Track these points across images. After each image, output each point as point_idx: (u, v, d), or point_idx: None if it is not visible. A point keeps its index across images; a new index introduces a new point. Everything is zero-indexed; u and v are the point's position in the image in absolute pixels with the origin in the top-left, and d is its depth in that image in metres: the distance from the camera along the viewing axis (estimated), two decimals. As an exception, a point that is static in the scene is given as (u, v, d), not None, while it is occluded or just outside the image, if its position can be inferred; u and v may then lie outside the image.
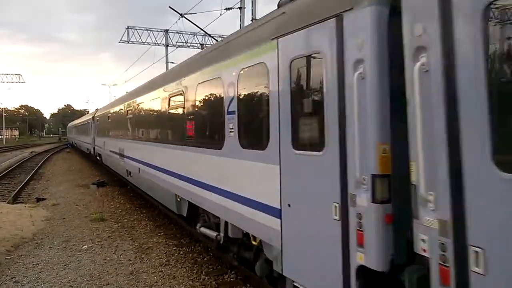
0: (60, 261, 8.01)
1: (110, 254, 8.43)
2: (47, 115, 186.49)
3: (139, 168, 11.79)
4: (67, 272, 7.44)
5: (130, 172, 13.79)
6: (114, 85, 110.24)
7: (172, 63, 32.58)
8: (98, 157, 24.25)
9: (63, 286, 6.80)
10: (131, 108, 13.98)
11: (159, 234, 9.98)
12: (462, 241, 2.62)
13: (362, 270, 3.48)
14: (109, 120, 19.18)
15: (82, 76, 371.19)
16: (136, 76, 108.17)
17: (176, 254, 8.40)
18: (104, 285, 6.83)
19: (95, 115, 26.53)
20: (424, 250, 2.90)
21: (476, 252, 2.53)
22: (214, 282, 6.88)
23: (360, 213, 3.48)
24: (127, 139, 14.07)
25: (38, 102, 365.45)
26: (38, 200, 15.17)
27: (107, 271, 7.45)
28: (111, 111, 18.72)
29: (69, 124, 70.02)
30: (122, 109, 15.75)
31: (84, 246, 8.99)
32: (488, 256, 2.47)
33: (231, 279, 7.02)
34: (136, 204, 13.83)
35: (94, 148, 25.87)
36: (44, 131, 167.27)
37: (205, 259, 8.07)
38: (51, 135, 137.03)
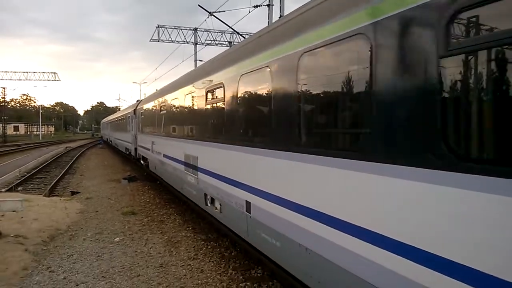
0: (93, 252, 8.29)
1: (140, 247, 8.65)
2: (81, 112, 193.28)
3: (247, 203, 6.09)
4: (100, 263, 7.69)
5: (213, 201, 8.02)
6: (144, 82, 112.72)
7: (201, 61, 32.98)
8: (142, 161, 19.31)
9: (96, 276, 7.03)
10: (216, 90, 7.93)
11: (187, 229, 10.16)
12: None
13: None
14: (162, 112, 13.72)
15: (114, 75, 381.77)
16: (166, 74, 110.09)
17: (204, 249, 8.52)
18: (135, 276, 7.02)
19: (137, 107, 21.79)
20: None
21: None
22: (241, 277, 6.94)
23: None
24: (203, 141, 8.53)
25: (72, 99, 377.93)
26: (73, 193, 15.76)
27: (138, 263, 7.65)
28: (166, 100, 13.11)
29: (103, 120, 68.98)
30: (192, 93, 9.73)
31: (116, 239, 9.26)
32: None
33: (258, 274, 7.06)
34: (165, 199, 14.12)
35: (135, 149, 21.46)
36: (78, 127, 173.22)
37: (233, 254, 8.14)
38: (85, 131, 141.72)
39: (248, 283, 6.67)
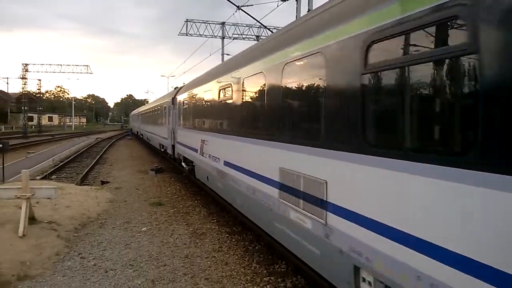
0: (121, 241, 8.53)
1: (166, 237, 8.83)
2: (111, 104, 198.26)
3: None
4: (128, 251, 7.91)
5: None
6: (172, 76, 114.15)
7: (228, 55, 33.07)
8: (183, 164, 15.54)
9: (125, 264, 7.24)
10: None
11: (212, 221, 10.29)
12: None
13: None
14: (224, 99, 9.46)
15: (142, 68, 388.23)
16: (193, 68, 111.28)
17: (228, 241, 8.61)
18: (162, 266, 7.18)
19: (177, 95, 17.71)
20: None
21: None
22: (265, 271, 6.98)
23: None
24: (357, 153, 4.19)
25: (103, 91, 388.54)
26: (103, 183, 16.25)
27: (164, 253, 7.82)
28: (233, 80, 8.73)
29: (133, 112, 66.44)
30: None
31: (143, 228, 9.50)
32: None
33: (282, 269, 7.08)
34: (191, 191, 14.33)
35: (173, 147, 17.96)
36: (108, 119, 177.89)
37: (257, 247, 8.19)
38: (115, 123, 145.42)
39: (272, 278, 6.70)
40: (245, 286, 6.40)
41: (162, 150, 23.47)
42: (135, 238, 8.73)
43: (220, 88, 9.77)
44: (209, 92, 11.10)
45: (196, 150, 12.37)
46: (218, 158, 9.63)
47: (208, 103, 11.29)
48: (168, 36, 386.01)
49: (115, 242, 8.47)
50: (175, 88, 22.34)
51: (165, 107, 21.68)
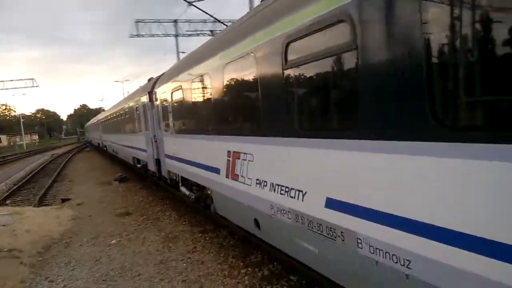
0: (91, 257, 8.21)
1: (138, 246, 8.60)
2: (64, 117, 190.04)
3: None
4: (99, 267, 7.63)
5: None
6: (126, 80, 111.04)
7: (183, 52, 32.36)
8: (183, 189, 10.35)
9: (97, 280, 6.97)
10: None
11: (184, 223, 10.12)
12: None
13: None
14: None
15: (95, 75, 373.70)
16: (148, 70, 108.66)
17: (202, 241, 8.51)
18: (136, 276, 6.98)
19: (155, 88, 12.32)
20: None
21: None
22: (241, 263, 6.97)
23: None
24: None
25: (54, 104, 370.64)
26: (63, 200, 15.54)
27: (137, 262, 7.61)
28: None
29: (91, 121, 58.11)
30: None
31: (112, 241, 9.19)
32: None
33: (258, 259, 7.09)
34: (159, 196, 14.03)
35: (158, 161, 12.87)
36: (63, 132, 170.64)
37: (231, 242, 8.15)
38: (73, 136, 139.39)
39: (249, 269, 6.70)
40: (223, 281, 6.36)
41: (138, 166, 17.17)
42: (105, 252, 8.43)
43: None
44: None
45: (213, 169, 7.22)
46: (301, 191, 4.50)
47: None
48: (120, 39, 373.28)
49: (84, 259, 8.14)
50: (149, 80, 15.05)
51: (136, 107, 15.75)
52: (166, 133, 11.08)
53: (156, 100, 12.06)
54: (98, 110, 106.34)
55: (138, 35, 35.44)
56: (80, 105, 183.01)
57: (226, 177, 6.56)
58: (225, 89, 6.55)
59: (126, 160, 21.52)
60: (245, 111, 6.17)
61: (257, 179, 5.55)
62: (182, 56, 31.16)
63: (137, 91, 17.06)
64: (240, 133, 6.11)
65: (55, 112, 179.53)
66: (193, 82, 8.11)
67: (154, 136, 12.90)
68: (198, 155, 8.22)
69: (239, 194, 6.15)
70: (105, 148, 33.82)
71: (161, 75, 12.63)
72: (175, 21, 35.94)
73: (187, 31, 35.93)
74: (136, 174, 19.51)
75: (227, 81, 6.44)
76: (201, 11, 19.70)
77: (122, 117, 20.72)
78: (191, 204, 10.73)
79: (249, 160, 5.80)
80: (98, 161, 32.82)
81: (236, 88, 6.34)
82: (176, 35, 35.83)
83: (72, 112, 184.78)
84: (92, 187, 18.25)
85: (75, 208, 13.57)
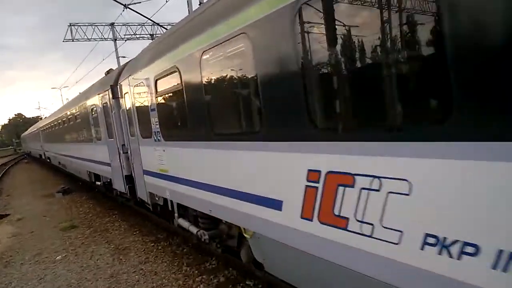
0: (34, 276, 7.74)
1: (86, 261, 8.23)
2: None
3: None
4: (43, 285, 7.21)
5: None
6: (65, 87, 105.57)
7: (123, 57, 31.30)
8: (182, 222, 7.38)
9: (42, 300, 6.60)
10: None
11: (134, 233, 9.83)
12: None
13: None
14: None
15: (30, 82, 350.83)
16: (87, 75, 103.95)
17: (154, 250, 8.33)
18: (85, 292, 6.69)
19: (122, 80, 9.11)
20: None
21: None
22: (196, 271, 6.90)
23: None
24: None
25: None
26: (1, 216, 14.48)
27: (86, 278, 7.29)
28: None
29: (30, 130, 50.90)
30: None
31: (57, 257, 8.72)
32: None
33: (213, 266, 7.07)
34: (106, 207, 13.50)
35: (131, 179, 9.75)
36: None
37: (185, 250, 8.05)
38: (9, 147, 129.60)
39: (204, 276, 6.66)
40: (179, 291, 6.27)
41: (97, 183, 13.89)
42: (50, 270, 7.98)
43: None
44: None
45: (265, 201, 4.41)
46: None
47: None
48: (56, 43, 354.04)
49: (27, 279, 7.66)
50: (107, 72, 12.31)
51: (93, 109, 12.30)
52: (144, 141, 7.95)
53: (123, 96, 9.10)
54: (35, 119, 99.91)
55: (73, 40, 33.73)
56: (15, 114, 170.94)
57: (304, 218, 3.74)
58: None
59: (78, 176, 17.89)
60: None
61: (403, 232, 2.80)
62: (123, 60, 29.84)
63: (92, 89, 13.06)
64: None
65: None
66: (215, 55, 4.95)
67: (123, 145, 9.72)
68: (223, 174, 5.20)
69: (338, 252, 3.40)
70: (48, 160, 29.43)
71: (128, 62, 9.89)
72: (112, 24, 34.69)
73: (126, 34, 34.79)
74: (81, 185, 18.63)
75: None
76: (138, 14, 19.28)
77: (71, 122, 16.97)
78: (154, 219, 10.13)
79: (384, 192, 2.90)
80: (38, 173, 30.91)
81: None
82: (115, 39, 34.54)
83: (6, 122, 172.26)
84: (33, 201, 17.16)
85: (15, 224, 12.72)
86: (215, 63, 5.03)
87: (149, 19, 20.66)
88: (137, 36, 35.13)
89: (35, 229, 11.60)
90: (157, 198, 8.26)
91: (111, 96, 9.85)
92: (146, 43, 33.69)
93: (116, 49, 34.29)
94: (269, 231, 4.42)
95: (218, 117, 5.31)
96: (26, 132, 58.81)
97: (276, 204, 4.14)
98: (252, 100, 4.44)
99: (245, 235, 5.16)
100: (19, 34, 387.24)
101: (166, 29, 19.84)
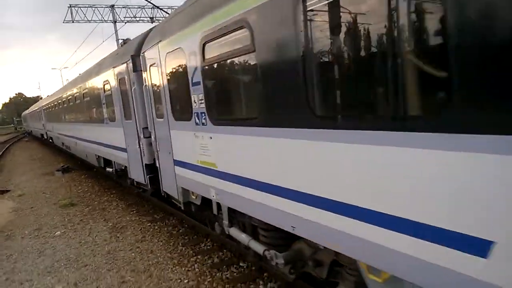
0: (34, 250, 7.97)
1: (84, 237, 8.45)
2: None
3: None
4: (43, 259, 7.44)
5: None
6: (64, 68, 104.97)
7: (123, 39, 31.11)
8: (254, 247, 5.33)
9: (41, 272, 6.82)
10: None
11: (131, 213, 10.05)
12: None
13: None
14: None
15: (31, 61, 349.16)
16: (87, 57, 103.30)
17: (151, 230, 8.54)
18: (83, 266, 6.91)
19: (150, 49, 7.17)
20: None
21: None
22: (191, 252, 7.11)
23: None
24: None
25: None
26: (2, 192, 14.71)
27: (84, 253, 7.51)
28: None
29: (32, 108, 47.30)
30: None
31: (57, 232, 8.94)
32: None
33: (208, 247, 7.28)
34: (105, 186, 13.71)
35: (156, 169, 8.08)
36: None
37: (180, 231, 8.26)
38: (10, 125, 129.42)
39: (199, 257, 6.86)
40: (173, 270, 6.48)
41: (108, 170, 12.33)
42: (50, 244, 8.21)
43: None
44: None
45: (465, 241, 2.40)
46: None
47: None
48: (56, 24, 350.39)
49: (27, 252, 7.89)
50: (124, 43, 10.78)
51: (107, 85, 10.60)
52: (179, 124, 6.38)
53: (148, 69, 7.38)
54: (36, 99, 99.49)
55: (73, 21, 33.51)
56: (16, 94, 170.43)
57: None
58: None
59: (82, 158, 16.76)
60: None
61: None
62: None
63: (105, 62, 11.28)
64: None
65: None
66: None
67: (144, 128, 8.26)
68: (330, 179, 3.40)
69: None
70: (50, 141, 28.07)
71: (153, 28, 8.19)
72: (112, 6, 34.43)
73: (126, 17, 34.58)
74: (80, 164, 18.82)
75: None
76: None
77: (77, 101, 15.29)
78: (143, 195, 10.19)
79: None
80: (39, 151, 31.09)
81: None
82: (115, 21, 34.31)
83: (7, 101, 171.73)
84: (33, 178, 17.38)
85: (16, 199, 12.94)
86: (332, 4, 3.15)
87: (149, 1, 20.62)
88: (137, 18, 34.97)
89: (35, 205, 11.82)
90: (194, 197, 6.70)
91: (131, 69, 8.28)
92: (146, 26, 33.54)
93: (116, 31, 34.12)
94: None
95: (329, 91, 3.49)
96: (27, 111, 56.95)
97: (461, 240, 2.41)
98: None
99: (369, 277, 3.41)
100: (19, 15, 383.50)
101: (167, 12, 19.68)
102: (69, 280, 6.40)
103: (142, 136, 8.39)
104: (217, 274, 6.15)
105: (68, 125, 18.73)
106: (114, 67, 9.59)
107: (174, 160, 6.77)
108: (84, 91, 13.65)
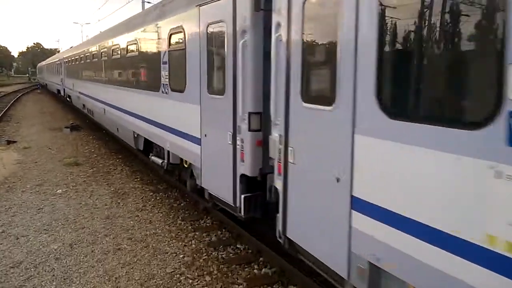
0: (33, 205, 7.93)
1: (85, 199, 8.39)
2: (15, 53, 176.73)
3: None
4: (41, 216, 7.40)
5: None
6: (87, 23, 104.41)
7: (149, 2, 30.28)
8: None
9: (38, 229, 6.78)
10: None
11: (135, 180, 9.96)
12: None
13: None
14: None
15: (52, 13, 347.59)
16: (109, 16, 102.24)
17: (152, 200, 8.45)
18: (80, 228, 6.85)
19: None
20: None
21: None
22: (190, 227, 7.01)
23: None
24: None
25: (4, 39, 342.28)
26: (9, 142, 14.75)
27: (83, 215, 7.45)
28: None
29: (48, 61, 44.29)
30: None
31: (58, 191, 8.90)
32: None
33: (207, 224, 7.17)
34: (112, 149, 13.64)
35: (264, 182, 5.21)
36: (13, 70, 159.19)
37: (182, 204, 8.16)
38: (26, 75, 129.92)
39: (197, 233, 6.75)
40: (170, 243, 6.39)
41: (153, 157, 8.96)
42: (49, 202, 8.17)
43: None
44: None
45: None
46: None
47: None
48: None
49: (26, 206, 7.85)
50: None
51: (176, 38, 7.37)
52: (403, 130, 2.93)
53: (290, 8, 4.17)
54: (53, 52, 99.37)
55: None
56: (34, 43, 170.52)
57: None
58: None
59: (107, 129, 14.24)
60: None
61: None
62: (147, 5, 27.86)
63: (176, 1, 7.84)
64: None
65: (6, 47, 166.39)
66: None
67: (253, 113, 5.15)
68: None
69: None
70: (68, 99, 25.04)
71: None
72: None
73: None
74: (90, 123, 18.77)
75: None
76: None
77: (115, 55, 11.98)
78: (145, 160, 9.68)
79: None
80: (49, 105, 31.18)
81: None
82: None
83: (24, 49, 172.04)
84: (40, 132, 17.40)
85: (21, 151, 12.94)
86: None
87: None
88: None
89: (39, 160, 11.80)
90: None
91: (248, 5, 4.99)
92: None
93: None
94: None
95: None
96: (44, 62, 51.11)
97: None
98: None
99: None
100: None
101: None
102: (65, 241, 6.35)
103: (244, 127, 5.25)
104: (213, 253, 6.05)
105: (96, 85, 15.12)
106: (200, 5, 6.18)
107: (354, 198, 3.43)
108: (130, 43, 10.34)
